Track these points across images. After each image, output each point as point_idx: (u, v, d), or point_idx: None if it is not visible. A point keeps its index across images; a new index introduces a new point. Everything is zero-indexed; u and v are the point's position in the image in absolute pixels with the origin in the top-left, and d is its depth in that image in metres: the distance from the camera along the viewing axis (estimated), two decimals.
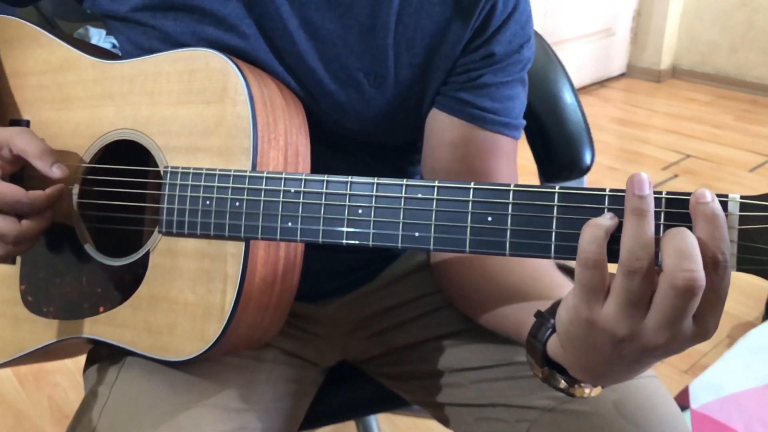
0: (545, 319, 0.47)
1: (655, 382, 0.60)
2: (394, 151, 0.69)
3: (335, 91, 0.61)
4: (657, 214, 0.39)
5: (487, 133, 0.63)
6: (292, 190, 0.51)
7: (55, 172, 0.56)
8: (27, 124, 0.66)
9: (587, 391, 0.48)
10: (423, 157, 0.67)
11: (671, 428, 0.56)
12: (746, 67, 3.19)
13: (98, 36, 1.73)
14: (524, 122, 0.65)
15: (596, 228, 0.40)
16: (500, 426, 0.62)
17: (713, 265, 0.37)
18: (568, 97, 0.87)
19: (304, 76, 0.61)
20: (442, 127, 0.64)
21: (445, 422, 0.70)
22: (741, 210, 0.38)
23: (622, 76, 3.51)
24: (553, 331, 0.46)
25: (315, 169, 0.60)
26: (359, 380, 0.77)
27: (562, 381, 0.48)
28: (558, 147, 0.85)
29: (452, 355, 0.68)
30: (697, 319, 0.39)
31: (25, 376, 1.51)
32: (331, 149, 0.65)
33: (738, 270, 0.38)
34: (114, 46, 1.71)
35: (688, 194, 0.39)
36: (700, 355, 1.52)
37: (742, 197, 0.38)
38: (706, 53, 3.32)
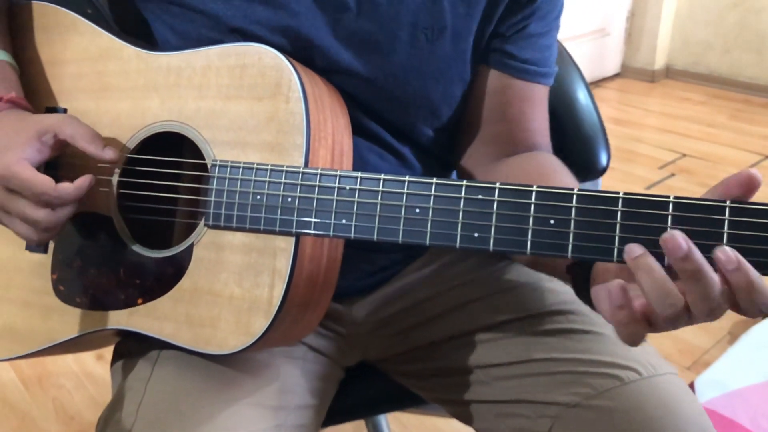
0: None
1: (676, 379, 0.61)
2: (435, 143, 0.70)
3: (393, 51, 0.61)
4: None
5: (524, 83, 0.66)
6: (347, 187, 0.51)
7: (108, 153, 0.57)
8: (64, 111, 0.65)
9: None
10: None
11: (693, 424, 0.56)
12: (739, 67, 3.23)
13: None
14: (557, 69, 0.69)
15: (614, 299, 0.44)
16: (523, 422, 0.62)
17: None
18: (582, 98, 0.88)
19: (360, 45, 0.61)
20: (481, 79, 0.66)
21: (467, 419, 0.70)
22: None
23: (616, 76, 3.54)
24: None
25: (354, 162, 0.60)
26: (375, 379, 0.78)
27: None
28: (574, 148, 0.86)
29: (474, 353, 0.68)
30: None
31: (29, 377, 1.49)
32: (372, 141, 0.65)
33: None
34: None
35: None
36: (702, 352, 1.55)
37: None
38: (700, 53, 3.36)
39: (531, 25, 0.64)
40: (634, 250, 0.42)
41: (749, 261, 0.41)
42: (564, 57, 0.90)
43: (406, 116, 0.66)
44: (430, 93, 0.65)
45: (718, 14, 3.24)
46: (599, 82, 3.43)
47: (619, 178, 2.39)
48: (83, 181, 0.57)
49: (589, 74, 3.41)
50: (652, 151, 2.63)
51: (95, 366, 1.49)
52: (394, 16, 0.60)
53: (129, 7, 0.65)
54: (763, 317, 0.42)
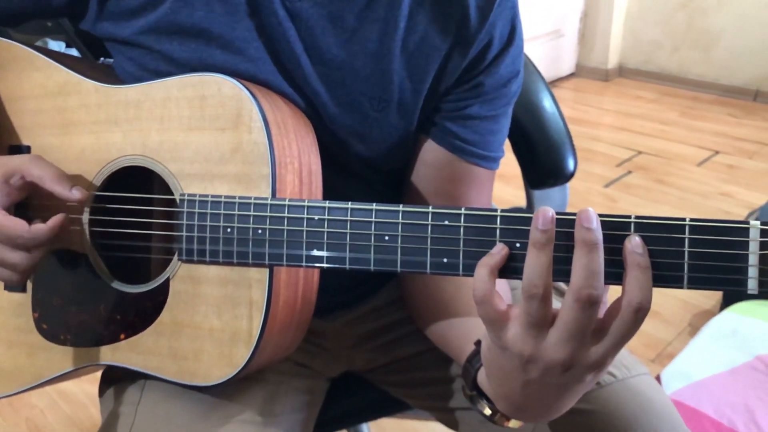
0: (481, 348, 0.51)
1: (649, 378, 0.65)
2: (398, 173, 0.71)
3: (339, 115, 0.62)
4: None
5: (464, 163, 0.65)
6: (316, 217, 0.52)
7: (75, 194, 0.57)
8: (27, 149, 0.65)
9: (508, 423, 0.52)
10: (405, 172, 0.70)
11: (664, 420, 0.60)
12: (687, 65, 3.35)
13: (57, 49, 1.68)
14: (503, 154, 0.68)
15: (482, 268, 0.45)
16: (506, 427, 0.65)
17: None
18: (548, 105, 0.91)
19: (310, 99, 0.62)
20: (423, 148, 0.66)
21: (452, 425, 0.72)
22: (762, 236, 0.41)
23: (571, 75, 3.63)
24: None
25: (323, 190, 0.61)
26: (361, 388, 0.79)
27: (487, 407, 0.52)
28: (542, 155, 0.89)
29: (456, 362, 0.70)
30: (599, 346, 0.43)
31: (0, 400, 1.47)
32: (336, 171, 0.66)
33: (760, 292, 0.41)
34: None
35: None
36: (665, 344, 1.60)
37: (762, 223, 0.41)
38: (650, 52, 3.47)
39: (474, 106, 0.63)
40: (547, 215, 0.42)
41: (710, 278, 0.42)
42: (529, 67, 0.92)
43: (357, 164, 0.67)
44: (373, 157, 0.65)
45: (666, 14, 3.35)
46: (555, 82, 3.51)
47: (579, 177, 2.43)
48: (56, 220, 0.57)
49: (546, 74, 3.43)
50: (609, 149, 2.71)
51: (69, 384, 1.47)
52: (341, 82, 0.60)
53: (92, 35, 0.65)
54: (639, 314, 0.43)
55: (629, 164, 2.57)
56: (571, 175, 0.88)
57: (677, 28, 3.33)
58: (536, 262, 0.42)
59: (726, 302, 1.56)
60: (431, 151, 0.66)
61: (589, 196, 2.35)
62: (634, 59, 3.54)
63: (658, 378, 1.31)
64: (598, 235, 0.42)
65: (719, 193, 2.33)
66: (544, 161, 0.89)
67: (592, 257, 0.42)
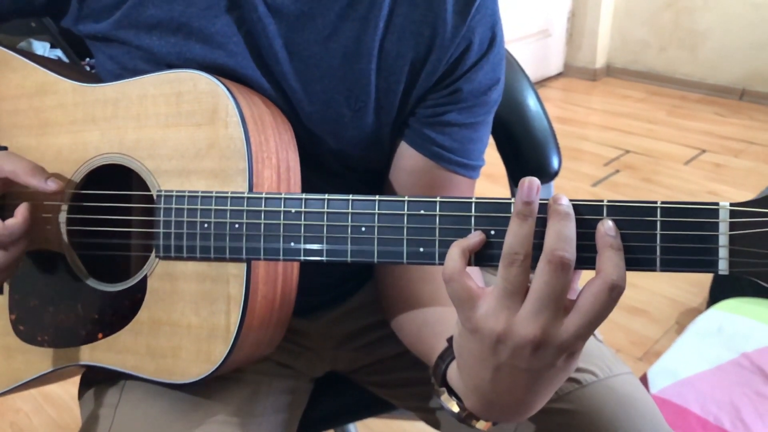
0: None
1: (631, 378, 0.64)
2: (376, 173, 0.70)
3: (315, 113, 0.61)
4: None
5: (443, 171, 0.64)
6: (293, 210, 0.52)
7: (51, 185, 0.56)
8: (3, 150, 0.64)
9: (476, 423, 0.51)
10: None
11: (646, 419, 0.60)
12: (674, 64, 3.37)
13: (42, 49, 1.67)
14: (483, 163, 0.67)
15: (455, 247, 0.45)
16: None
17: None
18: (532, 104, 0.90)
19: (287, 96, 0.61)
20: (401, 154, 0.65)
21: (435, 424, 0.72)
22: (731, 216, 0.41)
23: (559, 75, 3.65)
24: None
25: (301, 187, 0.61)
26: (345, 388, 0.79)
27: (455, 404, 0.51)
28: (526, 153, 0.89)
29: None
30: (566, 331, 0.42)
31: None
32: (314, 169, 0.65)
33: (731, 273, 0.42)
34: (59, 58, 1.65)
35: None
36: (652, 342, 1.61)
37: (731, 204, 0.41)
38: (638, 52, 3.49)
39: (453, 113, 0.62)
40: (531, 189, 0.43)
41: (682, 260, 0.42)
42: (512, 64, 0.92)
43: (334, 163, 0.66)
44: (348, 157, 0.65)
45: (653, 14, 3.37)
46: (543, 82, 3.53)
47: (567, 177, 2.46)
48: (23, 210, 0.56)
49: (534, 74, 3.49)
50: (597, 149, 2.72)
51: (54, 387, 1.46)
52: (318, 79, 0.60)
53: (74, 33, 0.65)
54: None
55: (617, 163, 2.58)
56: (556, 173, 0.87)
57: (664, 27, 3.36)
58: (519, 231, 0.42)
59: (712, 300, 1.57)
60: (410, 158, 0.65)
61: (577, 195, 2.34)
62: (622, 59, 3.55)
63: (645, 376, 1.31)
64: (570, 209, 0.43)
65: (706, 191, 2.35)
66: (529, 160, 0.88)
67: (565, 224, 0.42)
